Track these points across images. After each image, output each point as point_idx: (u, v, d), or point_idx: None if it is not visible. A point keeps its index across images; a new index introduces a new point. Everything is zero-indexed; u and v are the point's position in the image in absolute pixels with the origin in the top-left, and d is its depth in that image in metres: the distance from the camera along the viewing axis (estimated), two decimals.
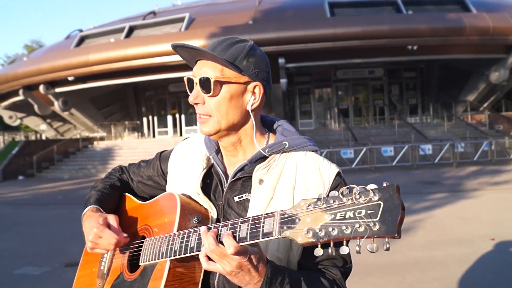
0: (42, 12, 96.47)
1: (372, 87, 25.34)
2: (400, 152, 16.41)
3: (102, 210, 1.41)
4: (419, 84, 26.03)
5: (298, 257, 1.20)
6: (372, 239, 0.85)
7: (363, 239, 0.85)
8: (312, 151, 1.30)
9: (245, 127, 1.28)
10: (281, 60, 18.29)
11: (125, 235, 1.33)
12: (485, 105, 23.48)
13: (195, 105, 1.25)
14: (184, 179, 1.38)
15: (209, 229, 1.06)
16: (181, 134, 25.82)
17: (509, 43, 19.13)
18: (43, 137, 29.94)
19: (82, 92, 23.11)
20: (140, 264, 1.30)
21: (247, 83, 1.23)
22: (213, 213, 1.27)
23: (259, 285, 1.04)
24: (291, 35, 18.35)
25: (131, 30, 21.34)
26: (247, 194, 1.25)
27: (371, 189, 0.87)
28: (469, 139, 18.80)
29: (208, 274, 1.23)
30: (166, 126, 27.18)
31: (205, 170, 1.34)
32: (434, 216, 6.68)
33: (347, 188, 0.91)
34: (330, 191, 1.18)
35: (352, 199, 0.89)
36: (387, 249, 0.84)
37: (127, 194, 1.55)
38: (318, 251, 0.91)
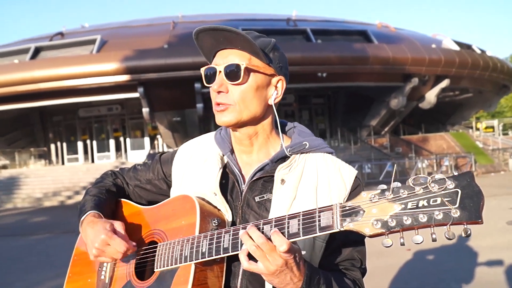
0: None
1: (284, 113, 26.24)
2: None
3: (102, 216, 1.31)
4: (327, 110, 27.63)
5: (319, 257, 1.19)
6: (448, 226, 0.85)
7: (446, 226, 0.84)
8: (328, 153, 1.30)
9: (263, 122, 1.26)
10: (197, 85, 18.34)
11: (133, 243, 1.25)
12: (386, 129, 25.36)
13: (216, 94, 1.20)
14: (195, 180, 1.30)
15: (244, 228, 1.02)
16: (92, 161, 24.62)
17: (406, 72, 21.10)
18: None
19: None
20: (155, 270, 1.21)
21: (272, 75, 1.23)
22: (227, 215, 1.22)
23: (300, 284, 1.02)
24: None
25: (38, 51, 20.24)
26: (268, 194, 1.22)
27: (447, 177, 0.87)
28: (374, 160, 20.16)
29: (228, 278, 1.19)
30: (76, 153, 25.87)
31: (221, 170, 1.28)
32: None
33: (413, 178, 0.91)
34: (351, 192, 1.22)
35: (425, 188, 0.88)
36: (468, 235, 0.84)
37: (123, 199, 1.46)
38: (387, 242, 0.90)
